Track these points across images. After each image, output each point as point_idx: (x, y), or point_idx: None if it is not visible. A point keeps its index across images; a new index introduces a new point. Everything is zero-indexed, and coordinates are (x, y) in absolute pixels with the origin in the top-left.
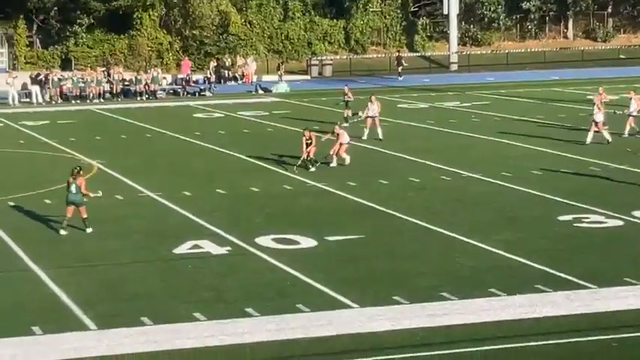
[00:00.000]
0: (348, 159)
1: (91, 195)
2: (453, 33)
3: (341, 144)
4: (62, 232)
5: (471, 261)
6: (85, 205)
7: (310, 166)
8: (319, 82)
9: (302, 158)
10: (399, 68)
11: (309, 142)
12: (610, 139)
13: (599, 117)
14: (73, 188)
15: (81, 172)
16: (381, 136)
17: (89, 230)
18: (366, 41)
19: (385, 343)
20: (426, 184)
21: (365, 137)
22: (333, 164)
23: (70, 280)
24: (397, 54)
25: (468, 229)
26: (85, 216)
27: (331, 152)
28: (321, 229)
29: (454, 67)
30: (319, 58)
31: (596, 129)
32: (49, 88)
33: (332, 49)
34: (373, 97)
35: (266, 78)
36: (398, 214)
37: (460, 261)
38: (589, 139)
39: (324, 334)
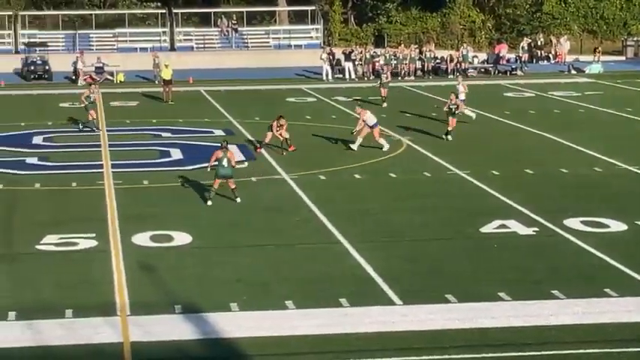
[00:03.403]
0: (385, 145)
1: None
2: None
3: (366, 125)
4: (209, 202)
5: None
6: (222, 180)
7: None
8: (635, 64)
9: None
10: None
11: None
12: None
13: None
14: (224, 162)
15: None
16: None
17: (239, 200)
18: None
19: None
20: None
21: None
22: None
23: (377, 255)
24: None
25: None
26: (233, 187)
27: (354, 132)
28: (632, 213)
29: None
30: (635, 38)
31: None
32: (361, 64)
33: None
34: (460, 79)
35: (579, 58)
36: None
37: None
38: None
39: (634, 319)
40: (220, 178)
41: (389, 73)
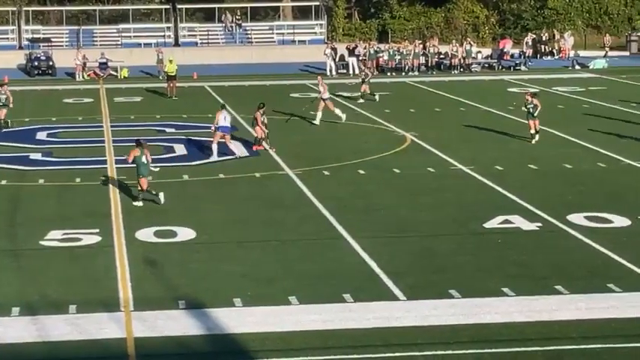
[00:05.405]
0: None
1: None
2: None
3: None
4: (138, 203)
5: None
6: (146, 179)
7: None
8: (639, 59)
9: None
10: None
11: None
12: None
13: None
14: (144, 159)
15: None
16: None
17: (136, 203)
18: None
19: None
20: None
21: (317, 121)
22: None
23: (382, 250)
24: None
25: None
26: (144, 188)
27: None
28: (636, 209)
29: None
30: (639, 33)
31: None
32: (365, 60)
33: None
34: (319, 78)
35: (583, 53)
36: None
37: None
38: None
39: (637, 315)
40: (144, 177)
41: (373, 68)
